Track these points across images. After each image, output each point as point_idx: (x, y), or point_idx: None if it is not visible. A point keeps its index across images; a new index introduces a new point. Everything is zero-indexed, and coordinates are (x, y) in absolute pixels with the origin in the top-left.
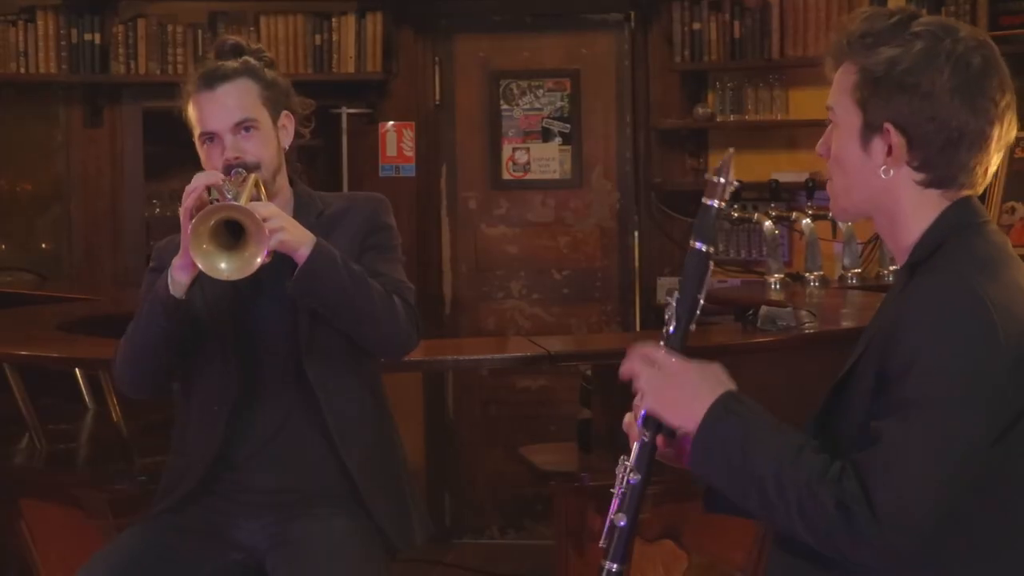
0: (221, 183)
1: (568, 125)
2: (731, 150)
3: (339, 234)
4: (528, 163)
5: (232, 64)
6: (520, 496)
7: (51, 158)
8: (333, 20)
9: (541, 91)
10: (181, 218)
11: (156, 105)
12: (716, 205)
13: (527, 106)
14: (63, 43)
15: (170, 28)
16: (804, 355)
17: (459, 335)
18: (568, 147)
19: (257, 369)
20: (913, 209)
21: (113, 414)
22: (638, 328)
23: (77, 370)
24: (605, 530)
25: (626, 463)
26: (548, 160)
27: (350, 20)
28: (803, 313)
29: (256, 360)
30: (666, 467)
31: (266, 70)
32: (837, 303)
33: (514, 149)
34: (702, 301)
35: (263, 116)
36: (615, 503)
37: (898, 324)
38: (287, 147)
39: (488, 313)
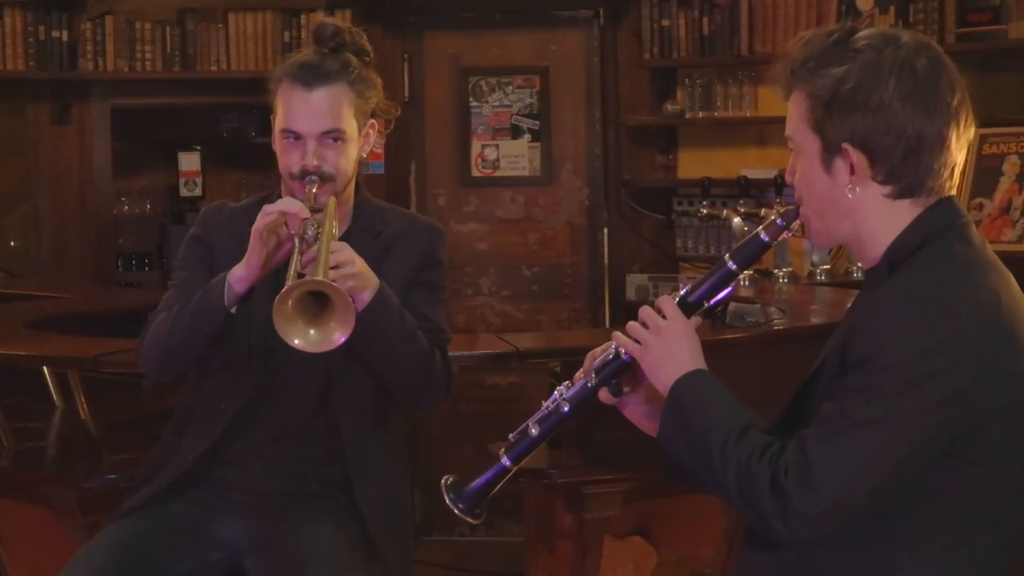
0: (306, 219)
1: (537, 122)
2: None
3: (395, 260)
4: (497, 160)
5: (334, 64)
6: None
7: (19, 155)
8: (302, 17)
9: (510, 88)
10: (252, 237)
11: (125, 102)
12: (766, 240)
13: (496, 103)
14: (31, 40)
15: (138, 25)
16: (773, 351)
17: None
18: (537, 144)
19: (276, 381)
20: (885, 222)
21: (81, 412)
22: (607, 325)
23: (45, 368)
24: (519, 428)
25: (566, 391)
26: (517, 157)
27: (319, 17)
28: (772, 309)
29: (278, 372)
30: (635, 465)
31: (363, 72)
32: (806, 299)
33: (483, 146)
34: (706, 305)
35: (351, 127)
36: (539, 414)
37: (868, 317)
38: (365, 155)
39: (458, 310)
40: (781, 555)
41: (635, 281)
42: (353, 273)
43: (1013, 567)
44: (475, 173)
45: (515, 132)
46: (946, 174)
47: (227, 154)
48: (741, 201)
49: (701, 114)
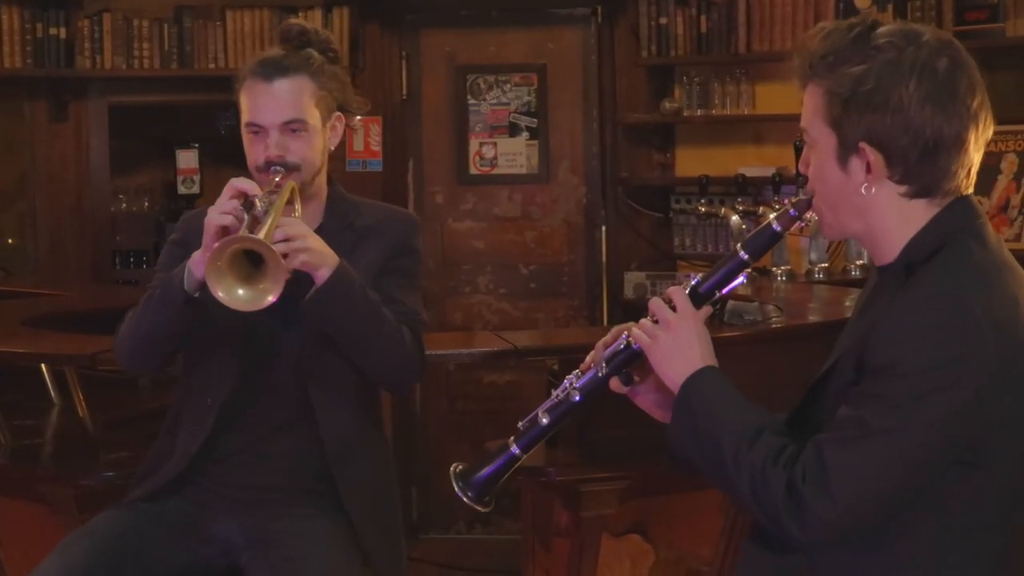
0: (258, 195)
1: (535, 120)
2: (813, 198)
3: (367, 249)
4: (495, 158)
5: (293, 57)
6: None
7: (16, 153)
8: (300, 14)
9: (508, 86)
10: (208, 219)
11: (122, 100)
12: (779, 230)
13: (494, 101)
14: (28, 38)
15: (136, 22)
16: (771, 349)
17: (426, 330)
18: (535, 142)
19: (258, 372)
20: (900, 222)
21: (79, 410)
22: (605, 323)
23: (43, 366)
24: (529, 417)
25: (576, 380)
26: (515, 155)
27: (316, 15)
28: (770, 308)
29: (259, 363)
30: (633, 463)
31: (327, 66)
32: (804, 297)
33: (481, 144)
34: (719, 294)
35: (314, 117)
36: (549, 403)
37: (887, 324)
38: (333, 148)
39: (455, 308)
40: (786, 554)
41: (633, 279)
42: (306, 247)
43: (1017, 568)
44: (473, 171)
45: (513, 130)
46: (963, 174)
47: (225, 152)
48: (739, 199)
49: (699, 112)
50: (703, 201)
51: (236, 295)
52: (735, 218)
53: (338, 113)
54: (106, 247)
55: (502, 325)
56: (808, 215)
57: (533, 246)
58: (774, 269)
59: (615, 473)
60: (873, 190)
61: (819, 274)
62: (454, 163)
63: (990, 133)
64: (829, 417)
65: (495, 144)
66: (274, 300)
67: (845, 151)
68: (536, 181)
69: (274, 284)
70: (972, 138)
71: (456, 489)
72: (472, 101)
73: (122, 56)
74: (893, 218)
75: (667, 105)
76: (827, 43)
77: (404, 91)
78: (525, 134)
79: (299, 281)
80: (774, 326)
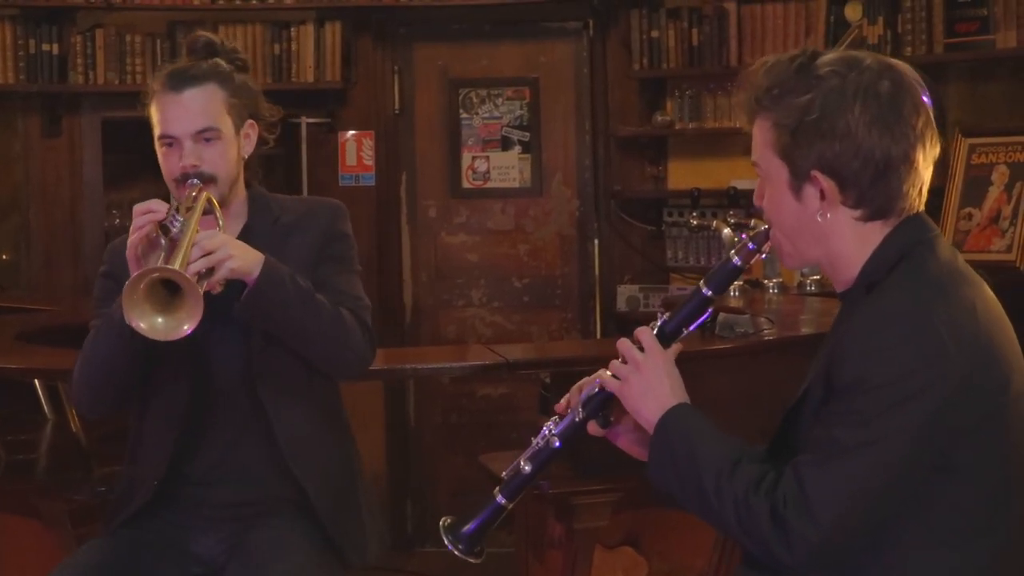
0: (166, 215)
1: (527, 133)
2: (770, 229)
3: (296, 243)
4: (488, 171)
5: (201, 66)
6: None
7: (9, 168)
8: (292, 29)
9: (500, 99)
10: (127, 251)
11: (115, 115)
12: (739, 264)
13: (486, 114)
14: (21, 53)
15: (128, 38)
16: (762, 361)
17: (420, 343)
18: (528, 155)
19: (209, 387)
20: (857, 245)
21: (72, 424)
22: (598, 335)
23: (36, 380)
24: (511, 466)
25: (554, 426)
26: (508, 168)
27: (309, 29)
28: (761, 320)
29: (208, 378)
30: (626, 475)
31: (236, 75)
32: (796, 309)
33: (474, 158)
34: (686, 332)
35: (226, 125)
36: (530, 451)
37: (851, 342)
38: (247, 155)
39: (448, 321)
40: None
41: (626, 292)
42: (228, 255)
43: (1011, 574)
44: (465, 184)
45: (505, 143)
46: (914, 193)
47: None
48: (731, 211)
49: (691, 125)
50: (695, 214)
51: (155, 324)
52: (727, 230)
53: (251, 121)
54: (99, 262)
55: (496, 338)
56: (767, 247)
57: (526, 259)
58: (766, 281)
59: (608, 485)
60: (829, 216)
61: (811, 286)
62: (447, 177)
63: (937, 151)
64: (805, 441)
65: (488, 158)
66: (190, 330)
67: (797, 180)
68: (529, 194)
69: (189, 315)
70: (920, 157)
71: (446, 543)
72: (464, 115)
73: (115, 71)
74: (850, 242)
75: (659, 118)
76: (771, 76)
77: (397, 105)
78: (518, 147)
79: (231, 289)
80: (766, 338)
